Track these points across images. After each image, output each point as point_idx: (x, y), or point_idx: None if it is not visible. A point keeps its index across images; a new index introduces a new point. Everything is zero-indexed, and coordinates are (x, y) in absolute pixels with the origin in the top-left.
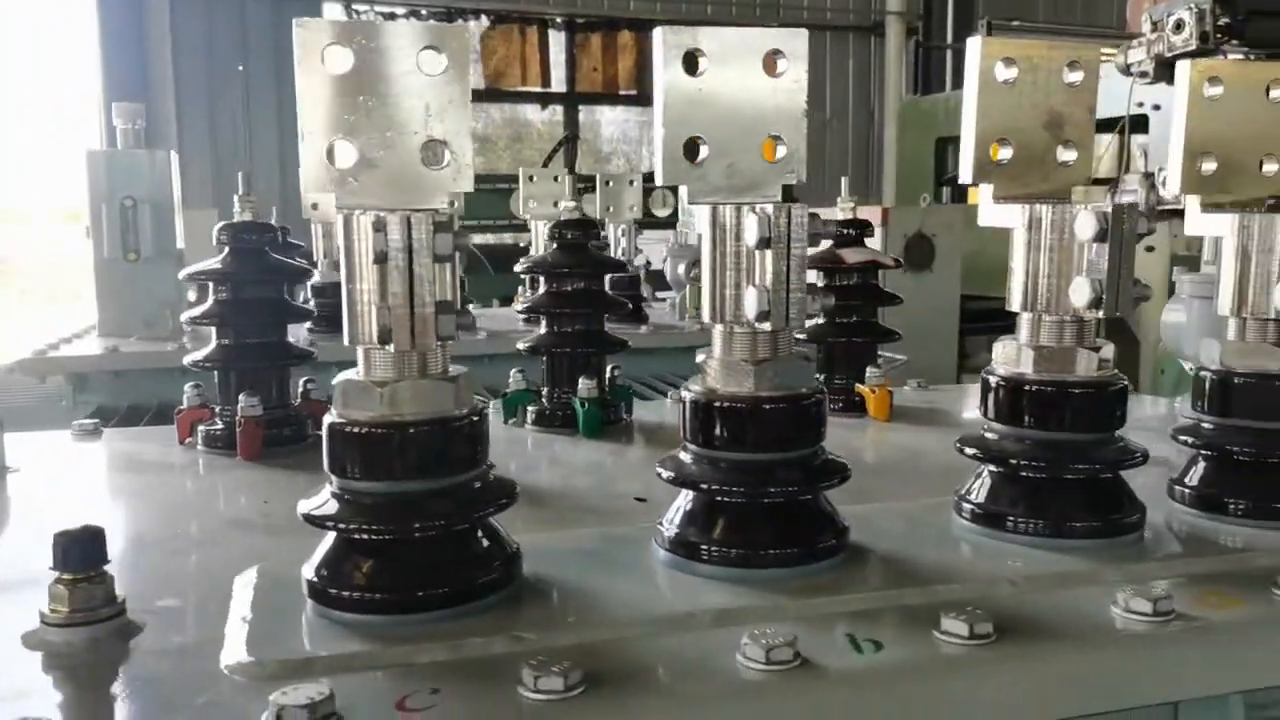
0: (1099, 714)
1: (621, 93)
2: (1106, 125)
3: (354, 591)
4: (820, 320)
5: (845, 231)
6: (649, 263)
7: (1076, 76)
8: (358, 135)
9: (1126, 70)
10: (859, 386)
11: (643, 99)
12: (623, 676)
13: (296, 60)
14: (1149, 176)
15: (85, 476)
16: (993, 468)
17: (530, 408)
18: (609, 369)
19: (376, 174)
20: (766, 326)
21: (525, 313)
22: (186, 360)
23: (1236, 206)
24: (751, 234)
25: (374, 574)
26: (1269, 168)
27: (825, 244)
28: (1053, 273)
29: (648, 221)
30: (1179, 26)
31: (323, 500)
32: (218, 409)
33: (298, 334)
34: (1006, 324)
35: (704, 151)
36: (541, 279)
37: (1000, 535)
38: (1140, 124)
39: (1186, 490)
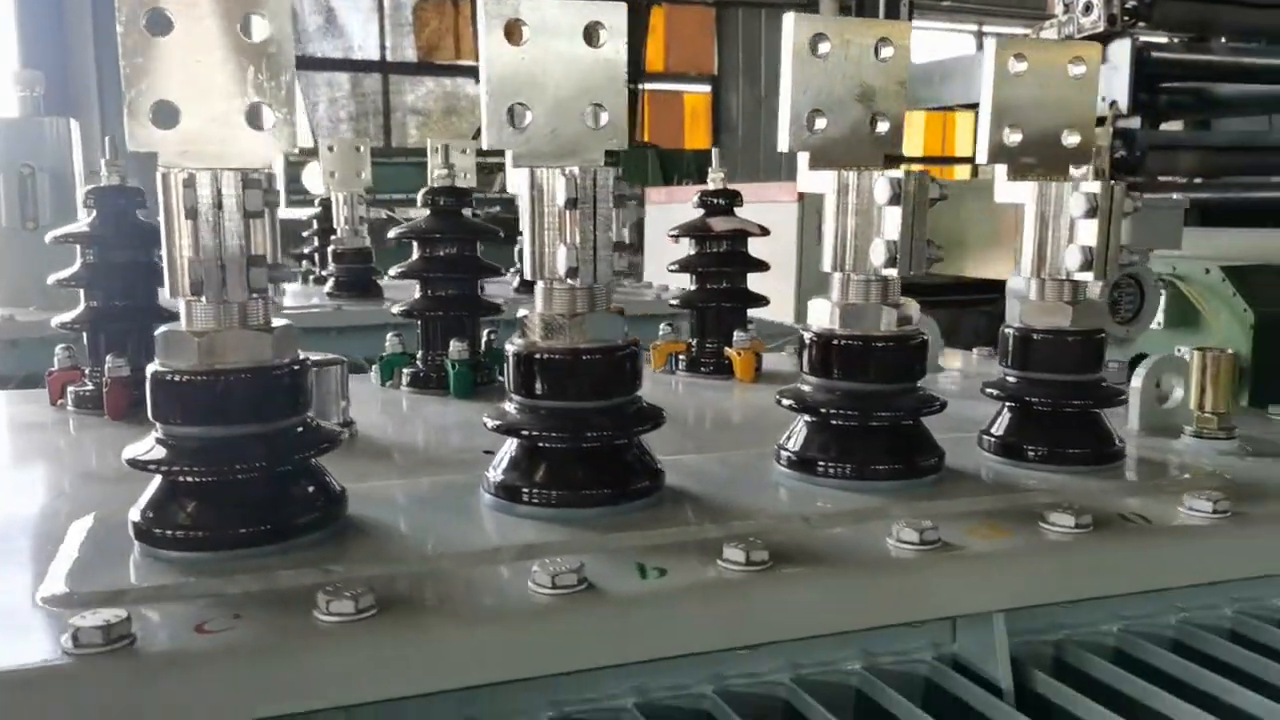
0: (882, 628)
1: None
2: None
3: (177, 530)
4: (693, 288)
5: (715, 201)
6: None
7: (888, 52)
8: (180, 97)
9: None
10: (727, 350)
11: None
12: (417, 602)
13: (119, 23)
14: None
15: None
16: (807, 417)
17: (405, 370)
18: (485, 332)
19: (198, 135)
20: (575, 282)
21: (398, 278)
22: (54, 322)
23: (1040, 175)
24: (560, 195)
25: (196, 514)
26: (1070, 139)
27: (698, 213)
28: (858, 235)
29: None
30: (1088, 9)
31: (148, 446)
32: (88, 370)
33: None
34: (933, 298)
35: (528, 118)
36: (415, 244)
37: (812, 479)
38: None
39: (992, 439)
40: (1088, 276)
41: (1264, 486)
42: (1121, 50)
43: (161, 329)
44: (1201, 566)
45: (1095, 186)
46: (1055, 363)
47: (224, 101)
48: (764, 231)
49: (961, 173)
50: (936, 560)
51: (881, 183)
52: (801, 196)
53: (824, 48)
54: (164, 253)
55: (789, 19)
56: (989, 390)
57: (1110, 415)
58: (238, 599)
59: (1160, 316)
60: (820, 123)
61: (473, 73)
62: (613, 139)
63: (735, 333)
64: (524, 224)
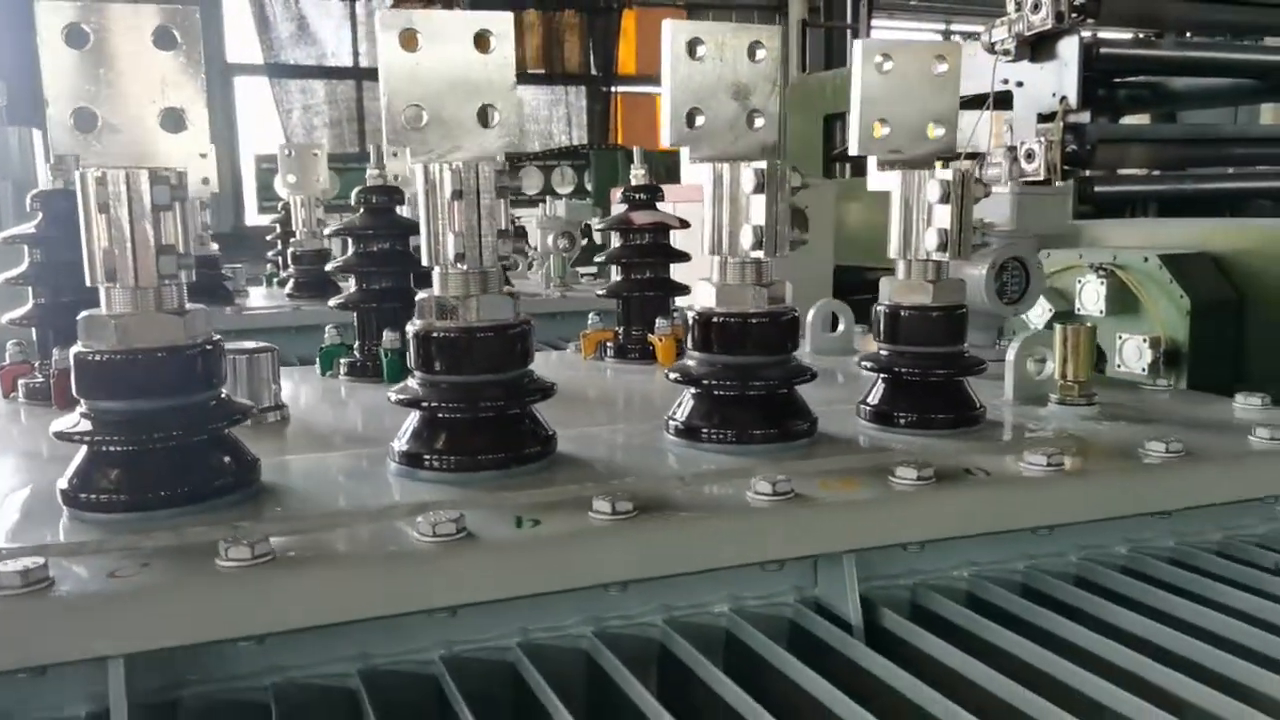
0: (741, 568)
1: (529, 71)
2: (974, 102)
3: (100, 495)
4: (618, 278)
5: (637, 196)
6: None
7: (761, 54)
8: (98, 104)
9: (991, 48)
10: (650, 336)
11: (551, 78)
12: (311, 550)
13: (39, 38)
14: (1012, 150)
15: None
16: (692, 390)
17: (344, 360)
18: None
19: (116, 138)
20: (463, 267)
21: (335, 272)
22: (3, 319)
23: (907, 165)
24: (447, 187)
25: (117, 480)
26: (936, 132)
27: (622, 208)
28: (731, 222)
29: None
30: (1036, 6)
31: (74, 420)
32: (37, 364)
33: None
34: None
35: (425, 118)
36: (349, 241)
37: (697, 446)
38: (1005, 100)
39: (867, 408)
40: (945, 256)
41: (1105, 445)
42: (1070, 46)
43: (83, 314)
44: (1030, 512)
45: (948, 174)
46: (920, 336)
47: (139, 107)
48: (684, 224)
49: None
50: (788, 508)
51: (747, 173)
52: None
53: (701, 50)
54: (83, 244)
55: (667, 25)
56: (864, 364)
57: (985, 386)
58: (150, 552)
59: (1102, 304)
60: (699, 120)
61: None
62: (505, 137)
63: (657, 320)
64: (420, 214)
